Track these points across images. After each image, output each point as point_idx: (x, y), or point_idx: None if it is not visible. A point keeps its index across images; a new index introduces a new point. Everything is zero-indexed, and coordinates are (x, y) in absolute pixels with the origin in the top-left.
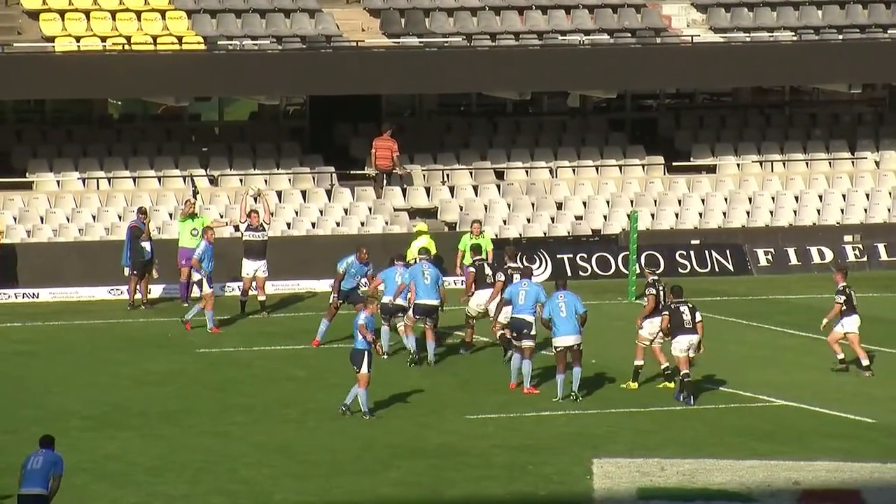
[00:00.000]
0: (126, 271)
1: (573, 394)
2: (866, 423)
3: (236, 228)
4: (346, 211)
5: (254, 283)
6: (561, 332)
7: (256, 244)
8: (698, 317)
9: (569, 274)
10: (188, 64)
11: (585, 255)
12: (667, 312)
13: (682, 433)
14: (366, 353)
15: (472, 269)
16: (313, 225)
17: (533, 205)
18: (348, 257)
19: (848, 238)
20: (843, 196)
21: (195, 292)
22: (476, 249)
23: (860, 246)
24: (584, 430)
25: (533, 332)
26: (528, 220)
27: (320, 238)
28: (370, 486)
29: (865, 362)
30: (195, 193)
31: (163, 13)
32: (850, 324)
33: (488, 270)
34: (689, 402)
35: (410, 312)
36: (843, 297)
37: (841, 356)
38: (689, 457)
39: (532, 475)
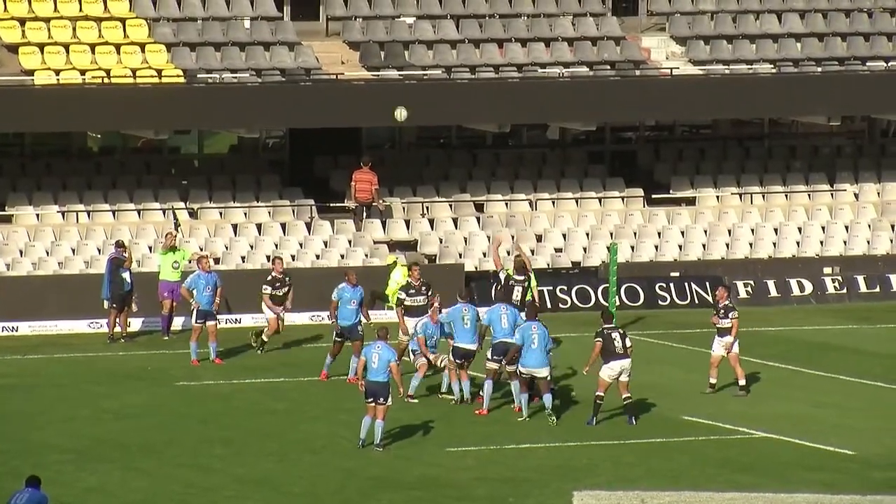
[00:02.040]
0: (105, 304)
1: (549, 416)
2: (846, 454)
3: (216, 262)
4: (325, 244)
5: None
6: (531, 362)
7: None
8: (628, 342)
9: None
10: (168, 97)
11: (565, 288)
12: (599, 339)
13: (663, 465)
14: (389, 384)
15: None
16: (293, 258)
17: (513, 237)
18: (339, 284)
19: (827, 270)
20: (823, 228)
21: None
22: (531, 308)
23: (839, 278)
24: (564, 462)
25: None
26: (508, 253)
27: (300, 271)
28: None
29: (742, 382)
30: (177, 226)
31: (142, 46)
32: (734, 344)
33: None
34: (631, 422)
35: (450, 355)
36: (737, 313)
37: (714, 381)
38: (669, 489)
39: None
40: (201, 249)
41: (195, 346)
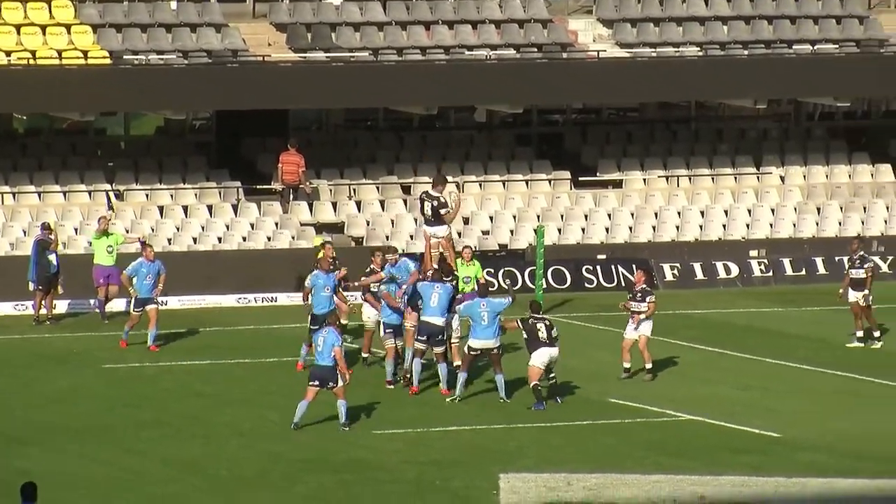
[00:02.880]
0: (31, 286)
1: (501, 399)
2: (771, 437)
3: (143, 244)
4: (252, 226)
5: None
6: (479, 335)
7: None
8: (555, 332)
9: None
10: (94, 78)
11: (492, 270)
12: (517, 322)
13: (589, 447)
14: (335, 367)
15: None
16: (219, 240)
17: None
18: (313, 271)
19: (753, 253)
20: (749, 211)
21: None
22: (482, 287)
23: (765, 261)
24: (491, 444)
25: (445, 337)
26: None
27: (227, 253)
28: (278, 500)
29: (649, 366)
30: (111, 208)
31: (68, 27)
32: (647, 328)
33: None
34: (557, 400)
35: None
36: (654, 297)
37: (628, 365)
38: (595, 471)
39: (440, 490)
40: (127, 231)
41: (128, 329)
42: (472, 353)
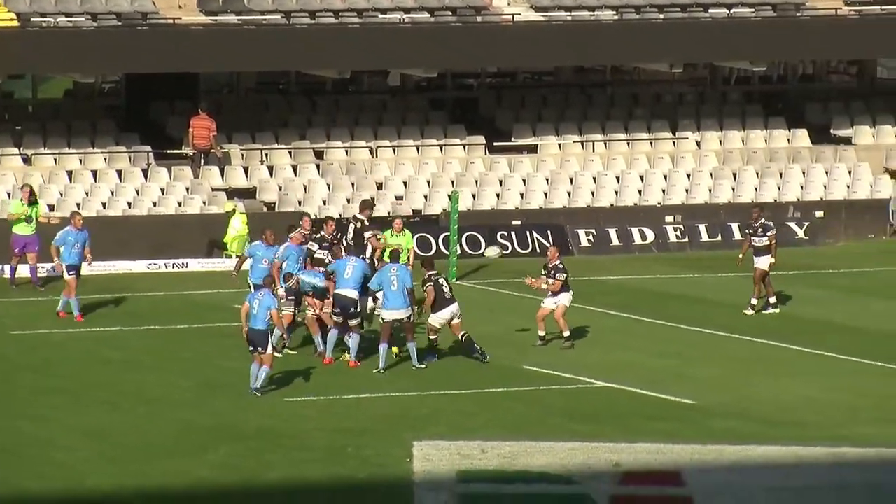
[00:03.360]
0: None
1: (414, 367)
2: (686, 404)
3: (72, 213)
4: (163, 191)
5: None
6: (390, 304)
7: None
8: (449, 286)
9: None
10: (1, 41)
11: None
12: (432, 286)
13: (504, 415)
14: (269, 332)
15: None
16: (129, 205)
17: (353, 185)
18: (253, 242)
19: (669, 219)
20: (665, 176)
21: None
22: (394, 253)
23: (681, 227)
24: (404, 412)
25: (359, 309)
26: (349, 201)
27: (137, 218)
28: (187, 469)
29: (566, 334)
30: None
31: None
32: (566, 298)
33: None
34: (485, 359)
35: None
36: (565, 275)
37: (542, 333)
38: (510, 439)
39: (351, 458)
40: (51, 210)
41: (74, 300)
42: (385, 323)
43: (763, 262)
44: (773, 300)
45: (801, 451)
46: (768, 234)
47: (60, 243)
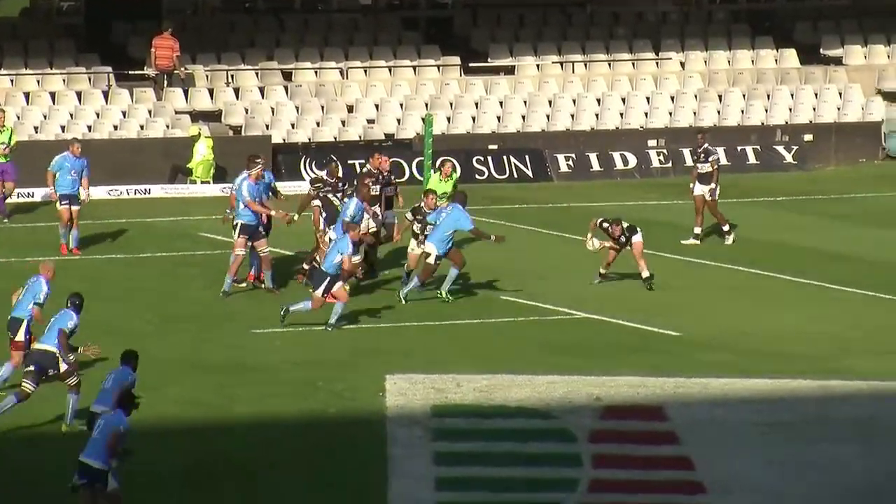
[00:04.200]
0: None
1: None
2: (670, 336)
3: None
4: (124, 114)
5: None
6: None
7: None
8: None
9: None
10: None
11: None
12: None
13: (480, 348)
14: (329, 277)
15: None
16: (89, 128)
17: (323, 108)
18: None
19: (652, 143)
20: (647, 99)
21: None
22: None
23: (665, 151)
24: (377, 345)
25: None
26: (318, 124)
27: (97, 143)
28: (150, 403)
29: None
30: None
31: None
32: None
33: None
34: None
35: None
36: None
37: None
38: (486, 373)
39: (322, 392)
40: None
41: (65, 231)
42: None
43: (703, 189)
44: (726, 228)
45: (788, 385)
46: (710, 159)
47: (56, 169)
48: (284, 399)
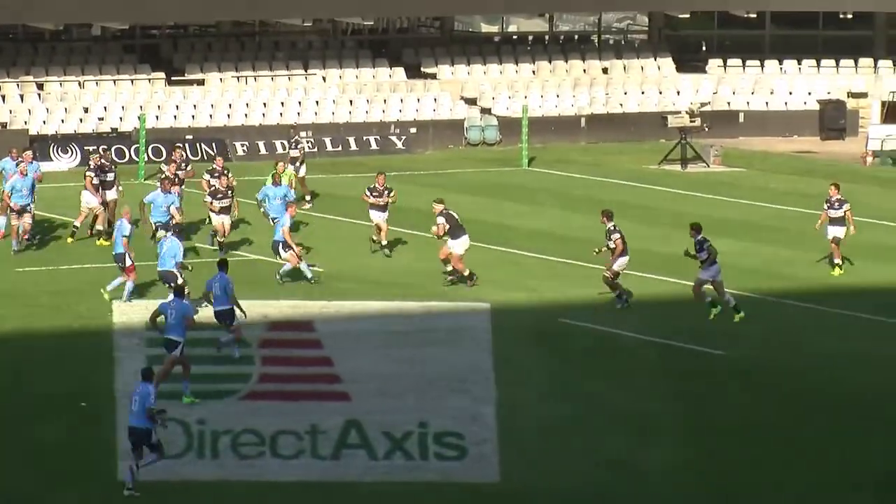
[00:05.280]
0: None
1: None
2: (315, 270)
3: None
4: None
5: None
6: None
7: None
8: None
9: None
10: None
11: (107, 147)
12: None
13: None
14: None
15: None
16: None
17: (66, 109)
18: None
19: (303, 133)
20: (299, 102)
21: None
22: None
23: (312, 140)
24: (103, 279)
25: None
26: (63, 121)
27: None
28: None
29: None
30: None
31: None
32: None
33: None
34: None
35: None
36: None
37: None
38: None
39: (68, 312)
40: None
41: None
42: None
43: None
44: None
45: (401, 305)
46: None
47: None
48: (42, 318)
